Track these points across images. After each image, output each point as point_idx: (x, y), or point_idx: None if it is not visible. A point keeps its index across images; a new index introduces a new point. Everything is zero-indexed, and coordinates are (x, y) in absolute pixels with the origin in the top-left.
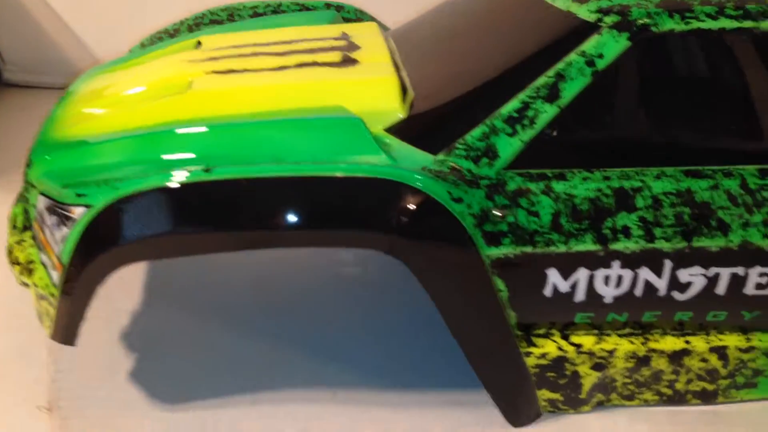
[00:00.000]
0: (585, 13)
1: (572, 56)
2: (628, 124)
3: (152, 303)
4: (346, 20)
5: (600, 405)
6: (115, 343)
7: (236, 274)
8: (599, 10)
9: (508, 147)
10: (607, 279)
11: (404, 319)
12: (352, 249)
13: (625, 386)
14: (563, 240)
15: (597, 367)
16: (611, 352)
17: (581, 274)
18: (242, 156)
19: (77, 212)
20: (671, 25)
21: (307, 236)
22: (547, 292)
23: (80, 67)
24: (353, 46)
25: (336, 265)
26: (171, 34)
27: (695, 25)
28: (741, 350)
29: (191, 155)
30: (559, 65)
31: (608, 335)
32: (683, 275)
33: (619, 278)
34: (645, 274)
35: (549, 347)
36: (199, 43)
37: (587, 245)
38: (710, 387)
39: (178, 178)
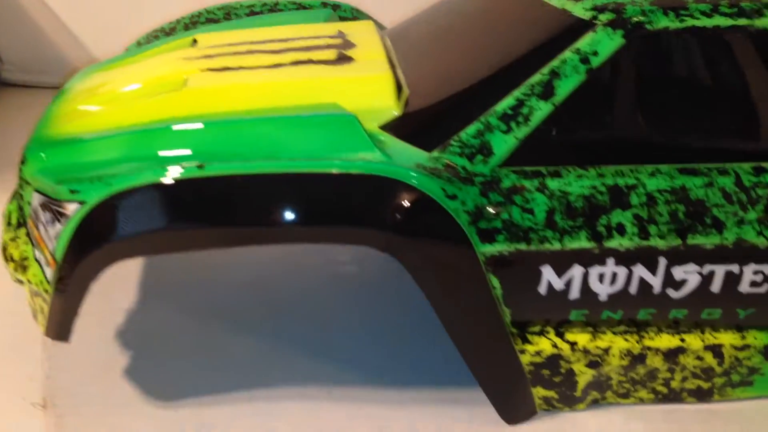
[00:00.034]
0: (580, 10)
1: (567, 54)
2: (623, 121)
3: (148, 301)
4: (343, 19)
5: (595, 403)
6: (110, 340)
7: (232, 273)
8: (594, 8)
9: (503, 144)
10: (601, 276)
11: (399, 317)
12: (348, 248)
13: (621, 384)
14: (558, 237)
15: (592, 364)
16: (606, 350)
17: (576, 272)
18: (237, 153)
19: (71, 208)
20: (666, 22)
21: (301, 232)
22: (542, 289)
23: (78, 66)
24: (349, 44)
25: (331, 264)
26: (167, 32)
27: (690, 22)
28: (736, 348)
29: (186, 152)
30: (554, 63)
31: (603, 333)
32: (678, 273)
33: (614, 276)
34: (639, 271)
35: (544, 345)
36: (194, 41)
37: (582, 242)
38: (705, 385)
39: (171, 174)
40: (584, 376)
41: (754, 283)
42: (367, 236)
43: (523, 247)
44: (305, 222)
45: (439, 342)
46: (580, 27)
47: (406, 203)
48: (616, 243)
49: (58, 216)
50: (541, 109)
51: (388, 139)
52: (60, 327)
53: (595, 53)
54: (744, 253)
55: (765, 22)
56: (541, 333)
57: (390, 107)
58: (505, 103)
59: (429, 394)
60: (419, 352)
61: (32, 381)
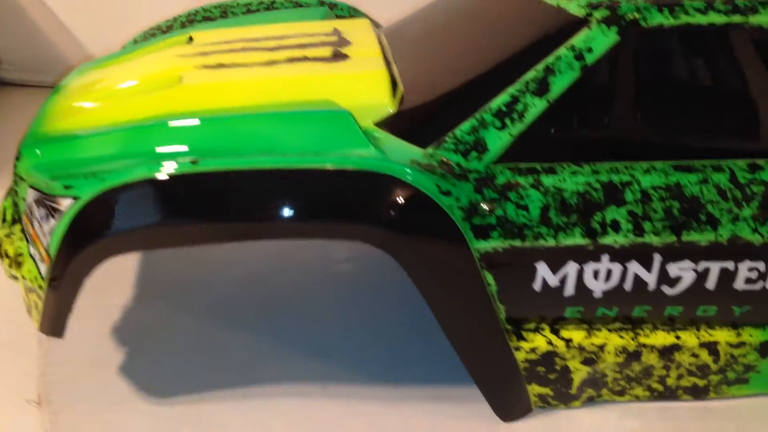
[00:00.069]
0: (574, 8)
1: (561, 50)
2: (617, 118)
3: (143, 298)
4: (340, 17)
5: (590, 400)
6: (105, 337)
7: (227, 270)
8: (589, 5)
9: (498, 141)
10: (596, 273)
11: (394, 314)
12: (344, 246)
13: (616, 381)
14: (552, 234)
15: (587, 361)
16: (601, 347)
17: (570, 268)
18: (231, 149)
19: (64, 204)
20: (660, 19)
21: (295, 228)
22: (537, 286)
23: (76, 65)
24: (344, 42)
25: (327, 262)
26: (164, 30)
27: (684, 19)
28: (732, 345)
29: (180, 148)
30: (549, 59)
31: (598, 330)
32: (673, 269)
33: (609, 272)
34: (634, 268)
35: (539, 342)
36: (190, 38)
37: (576, 239)
38: (701, 383)
39: (164, 170)
40: (579, 373)
41: (749, 280)
42: (361, 232)
43: (517, 243)
44: (299, 217)
45: (434, 339)
46: (575, 24)
47: (400, 199)
48: (610, 240)
49: (52, 212)
50: (536, 106)
51: (382, 135)
52: (54, 323)
53: (590, 50)
54: (739, 250)
55: (760, 18)
56: (536, 330)
57: (385, 104)
58: (500, 100)
59: (424, 391)
60: (414, 349)
61: (27, 378)
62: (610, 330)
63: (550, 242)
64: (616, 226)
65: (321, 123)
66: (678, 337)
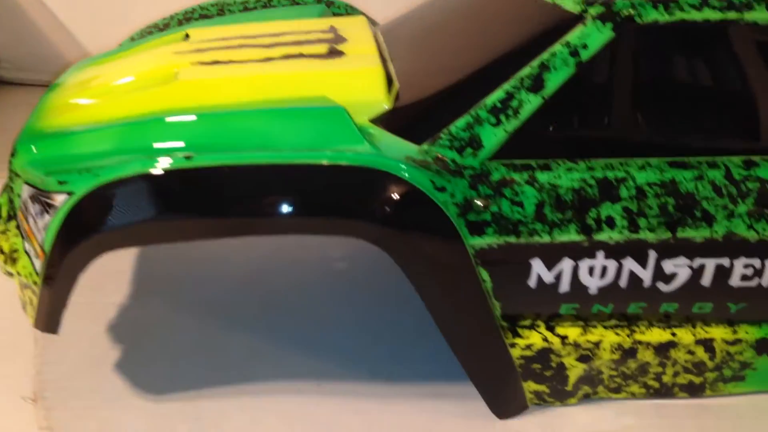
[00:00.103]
0: (569, 4)
1: (557, 47)
2: (612, 114)
3: (139, 295)
4: (336, 15)
5: (587, 397)
6: (101, 334)
7: (224, 268)
8: (584, 1)
9: (492, 137)
10: (591, 270)
11: (390, 312)
12: (340, 244)
13: (612, 379)
14: (547, 230)
15: (583, 358)
16: (597, 344)
17: (565, 265)
18: (227, 145)
19: (59, 200)
20: (655, 15)
21: (290, 223)
22: (532, 282)
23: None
24: (340, 39)
25: (323, 260)
26: (161, 28)
27: (679, 16)
28: (728, 343)
29: (176, 144)
30: (543, 56)
31: (594, 327)
32: (668, 266)
33: (604, 269)
34: (629, 264)
35: (534, 338)
36: (187, 35)
37: (571, 235)
38: (697, 380)
39: (159, 165)
40: (575, 370)
41: (744, 277)
42: (355, 228)
43: (512, 239)
44: (294, 213)
45: (430, 337)
46: (570, 20)
47: (395, 195)
48: (605, 236)
49: (47, 207)
50: (531, 102)
51: (378, 132)
52: (49, 319)
53: (585, 46)
54: (734, 247)
55: (755, 15)
56: (532, 327)
57: (380, 100)
58: (495, 96)
59: (419, 389)
60: (410, 347)
61: (23, 375)
62: (605, 327)
63: (545, 239)
64: (611, 223)
65: (316, 119)
66: (674, 334)
